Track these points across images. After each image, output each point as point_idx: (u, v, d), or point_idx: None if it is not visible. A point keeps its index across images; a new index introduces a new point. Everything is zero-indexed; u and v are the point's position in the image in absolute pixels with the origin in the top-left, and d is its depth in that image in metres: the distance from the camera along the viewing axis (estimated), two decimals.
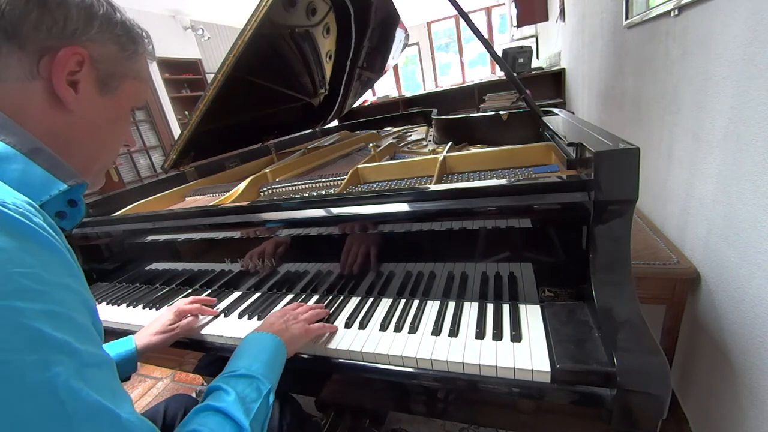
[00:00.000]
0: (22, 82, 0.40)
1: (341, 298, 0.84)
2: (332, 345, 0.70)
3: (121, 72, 0.47)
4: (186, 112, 4.95)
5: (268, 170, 1.26)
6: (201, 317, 0.86)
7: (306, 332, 0.68)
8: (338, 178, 1.07)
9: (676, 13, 1.00)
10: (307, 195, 1.04)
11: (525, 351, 0.59)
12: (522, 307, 0.70)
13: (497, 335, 0.64)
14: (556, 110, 1.21)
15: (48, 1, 0.39)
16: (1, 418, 0.27)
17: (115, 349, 0.73)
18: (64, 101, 0.42)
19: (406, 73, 7.83)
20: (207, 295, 0.97)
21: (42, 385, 0.28)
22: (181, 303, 0.84)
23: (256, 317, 0.83)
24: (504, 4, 6.12)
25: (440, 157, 1.02)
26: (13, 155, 0.37)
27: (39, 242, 0.32)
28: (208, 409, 0.46)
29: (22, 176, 0.37)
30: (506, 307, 0.71)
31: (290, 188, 1.12)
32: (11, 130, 0.38)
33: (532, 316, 0.67)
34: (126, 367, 0.74)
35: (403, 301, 0.78)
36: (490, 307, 0.72)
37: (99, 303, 1.05)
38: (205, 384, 1.69)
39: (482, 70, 7.13)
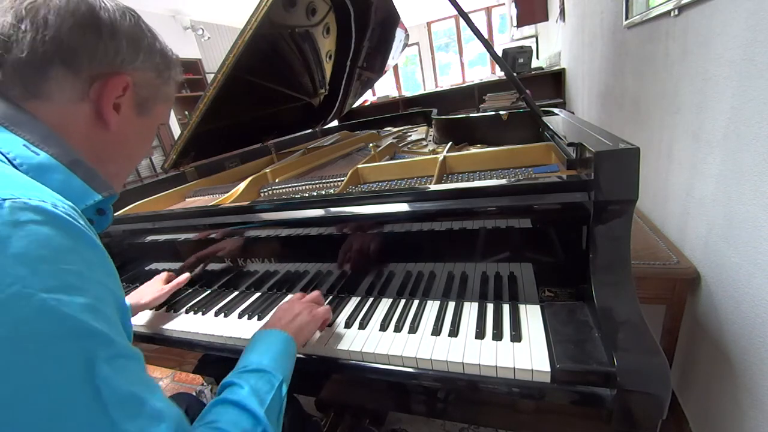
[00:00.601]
0: (72, 103, 0.44)
1: (341, 298, 0.84)
2: (332, 345, 0.70)
3: (156, 96, 0.52)
4: (186, 112, 4.95)
5: (268, 170, 1.26)
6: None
7: (313, 318, 0.68)
8: (338, 178, 1.07)
9: (676, 13, 1.00)
10: (307, 195, 1.04)
11: (525, 351, 0.59)
12: (522, 307, 0.70)
13: (497, 335, 0.64)
14: (556, 110, 1.21)
15: (103, 33, 0.44)
16: (40, 403, 0.29)
17: None
18: (108, 123, 0.46)
19: (406, 73, 7.83)
20: (207, 295, 0.97)
21: (80, 372, 0.31)
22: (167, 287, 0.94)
23: (256, 317, 0.83)
24: (504, 4, 6.13)
25: (440, 157, 1.02)
26: (56, 166, 0.41)
27: (86, 242, 0.36)
28: (225, 402, 0.47)
29: (63, 186, 0.40)
30: (506, 307, 0.71)
31: (290, 188, 1.12)
32: (54, 142, 0.42)
33: (532, 316, 0.67)
34: None
35: (403, 301, 0.78)
36: (490, 307, 0.72)
37: None
38: (205, 384, 1.69)
39: (482, 70, 7.13)
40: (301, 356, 0.72)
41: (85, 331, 0.32)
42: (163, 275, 0.97)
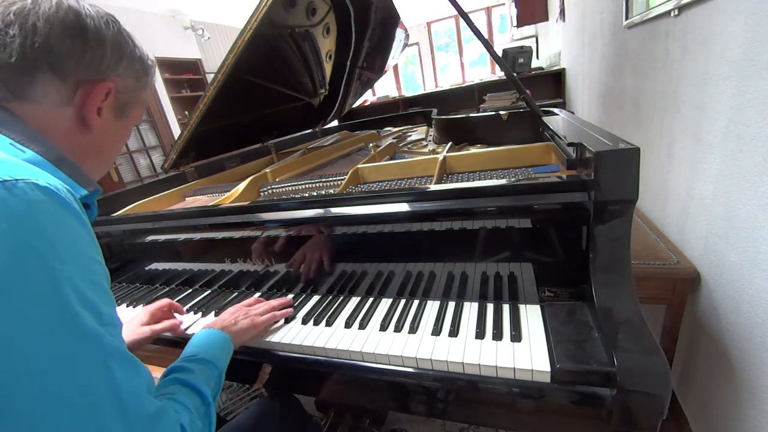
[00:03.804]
0: (57, 106, 0.46)
1: (341, 298, 0.84)
2: (332, 345, 0.70)
3: (135, 100, 0.54)
4: (186, 112, 4.95)
5: (268, 170, 1.26)
6: (185, 318, 0.87)
7: (252, 325, 0.73)
8: (338, 178, 1.07)
9: (676, 13, 1.00)
10: (307, 195, 1.04)
11: (525, 351, 0.59)
12: (522, 307, 0.70)
13: (497, 335, 0.64)
14: (556, 110, 1.21)
15: (90, 41, 0.46)
16: (50, 351, 0.34)
17: None
18: (91, 127, 0.48)
19: (406, 73, 7.82)
20: (207, 295, 0.97)
21: (88, 329, 0.37)
22: (153, 305, 0.83)
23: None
24: (504, 4, 6.12)
25: (440, 157, 1.02)
26: (42, 162, 0.42)
27: (81, 222, 0.40)
28: (176, 382, 0.52)
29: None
30: (506, 307, 0.71)
31: (290, 188, 1.12)
32: (40, 142, 0.44)
33: (532, 316, 0.67)
34: None
35: (403, 301, 0.78)
36: (490, 307, 0.72)
37: None
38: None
39: (482, 70, 7.12)
40: (302, 356, 0.72)
41: (83, 298, 0.37)
42: (147, 309, 0.81)
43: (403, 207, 0.73)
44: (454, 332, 0.66)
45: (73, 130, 0.48)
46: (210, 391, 0.53)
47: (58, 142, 0.46)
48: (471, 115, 1.52)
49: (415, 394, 0.66)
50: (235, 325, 0.71)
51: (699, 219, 0.94)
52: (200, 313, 0.89)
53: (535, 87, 3.57)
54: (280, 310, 0.80)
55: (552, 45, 3.95)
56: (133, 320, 0.79)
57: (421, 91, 5.12)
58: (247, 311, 0.76)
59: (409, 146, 1.60)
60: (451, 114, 1.91)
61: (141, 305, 0.99)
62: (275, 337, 0.75)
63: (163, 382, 0.52)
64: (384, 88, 6.19)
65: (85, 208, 0.47)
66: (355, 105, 2.73)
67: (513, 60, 3.59)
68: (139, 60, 0.53)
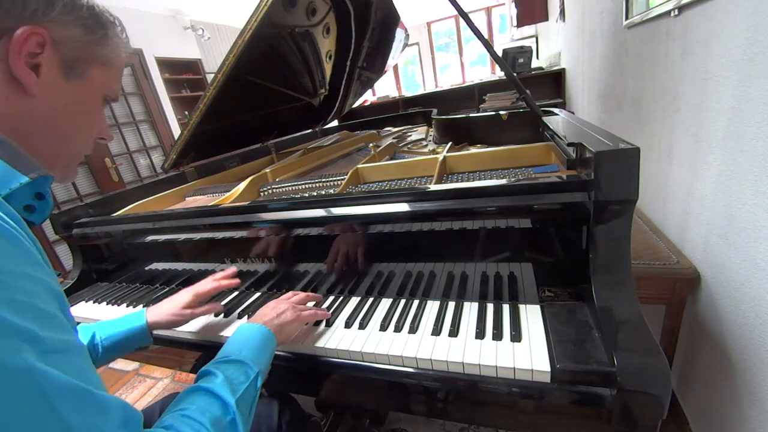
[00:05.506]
0: None
1: (341, 298, 0.84)
2: (332, 345, 0.70)
3: (89, 56, 0.45)
4: (186, 112, 4.94)
5: (268, 170, 1.26)
6: (209, 317, 0.86)
7: (296, 319, 0.69)
8: (338, 178, 1.07)
9: (676, 13, 1.00)
10: (307, 195, 1.04)
11: (525, 351, 0.59)
12: (522, 307, 0.70)
13: (497, 335, 0.63)
14: (556, 110, 1.21)
15: None
16: None
17: (126, 322, 0.74)
18: (24, 84, 0.40)
19: (406, 73, 7.82)
20: None
21: (13, 367, 0.28)
22: (201, 285, 0.79)
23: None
24: (504, 4, 6.12)
25: (440, 157, 1.02)
26: None
27: None
28: (197, 390, 0.47)
29: None
30: (506, 307, 0.71)
31: (290, 188, 1.12)
32: None
33: (532, 316, 0.67)
34: (138, 339, 0.75)
35: (403, 301, 0.78)
36: (490, 307, 0.72)
37: (99, 303, 1.05)
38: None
39: (482, 70, 7.12)
40: (302, 356, 0.72)
41: (6, 327, 0.29)
42: (192, 290, 0.78)
43: (403, 207, 0.73)
44: (454, 332, 0.66)
45: (9, 95, 0.39)
46: (234, 399, 0.47)
47: None
48: (471, 115, 1.52)
49: (415, 394, 0.66)
50: (277, 319, 0.67)
51: (699, 219, 0.94)
52: (222, 315, 0.87)
53: (535, 87, 3.57)
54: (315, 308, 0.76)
55: (552, 45, 3.94)
56: (175, 300, 0.77)
57: (421, 91, 5.11)
58: (288, 304, 0.71)
59: (409, 146, 1.60)
60: (451, 114, 1.91)
61: (141, 305, 0.99)
62: None
63: (185, 391, 0.48)
64: (384, 88, 6.19)
65: (39, 198, 0.42)
66: (355, 105, 2.73)
67: (513, 60, 3.59)
68: (87, 8, 0.45)
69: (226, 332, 0.80)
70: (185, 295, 0.77)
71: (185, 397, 0.47)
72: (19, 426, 0.28)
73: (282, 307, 0.70)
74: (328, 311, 0.79)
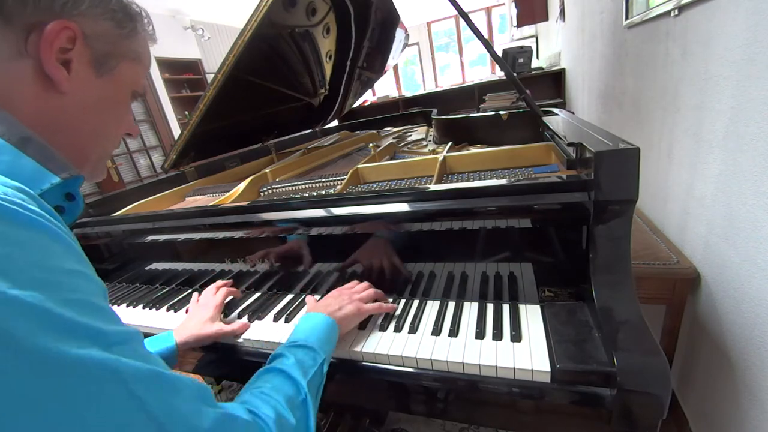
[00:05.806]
0: (10, 61, 0.37)
1: None
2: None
3: (119, 51, 0.44)
4: (186, 112, 4.95)
5: (268, 170, 1.26)
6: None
7: (359, 311, 0.70)
8: (338, 178, 1.07)
9: (676, 13, 1.00)
10: (307, 195, 1.04)
11: (525, 351, 0.59)
12: (522, 307, 0.70)
13: (497, 335, 0.64)
14: (556, 110, 1.21)
15: None
16: (64, 405, 0.27)
17: (156, 344, 0.73)
18: (55, 81, 0.38)
19: (406, 73, 7.82)
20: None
21: (90, 362, 0.29)
22: (216, 298, 0.81)
23: (256, 318, 0.83)
24: (504, 4, 6.12)
25: (440, 157, 1.02)
26: (1, 146, 0.34)
27: (40, 230, 0.31)
28: (272, 371, 0.50)
29: (11, 169, 0.34)
30: (506, 307, 0.71)
31: (290, 188, 1.12)
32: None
33: (532, 316, 0.67)
34: (168, 362, 0.73)
35: (403, 301, 0.78)
36: (490, 307, 0.72)
37: None
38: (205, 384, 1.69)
39: (482, 70, 7.12)
40: None
41: (77, 328, 0.29)
42: (213, 303, 0.79)
43: (403, 207, 0.73)
44: (454, 332, 0.66)
45: (40, 93, 0.38)
46: (306, 380, 0.49)
47: (23, 111, 0.37)
48: (471, 115, 1.52)
49: (415, 394, 0.66)
50: (340, 311, 0.67)
51: (699, 219, 0.94)
52: (222, 315, 0.87)
53: (535, 87, 3.57)
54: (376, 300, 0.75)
55: (552, 45, 3.94)
56: (196, 316, 0.78)
57: (421, 91, 5.11)
58: (350, 295, 0.71)
59: (409, 146, 1.60)
60: (451, 114, 1.91)
61: (140, 305, 0.99)
62: (275, 338, 0.75)
63: (259, 371, 0.50)
64: (384, 88, 6.19)
65: (70, 199, 0.40)
66: (355, 105, 2.73)
67: (513, 60, 3.59)
68: (116, 1, 0.43)
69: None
70: (205, 309, 0.79)
71: (261, 376, 0.49)
72: (104, 416, 0.28)
73: (345, 300, 0.71)
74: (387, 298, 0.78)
